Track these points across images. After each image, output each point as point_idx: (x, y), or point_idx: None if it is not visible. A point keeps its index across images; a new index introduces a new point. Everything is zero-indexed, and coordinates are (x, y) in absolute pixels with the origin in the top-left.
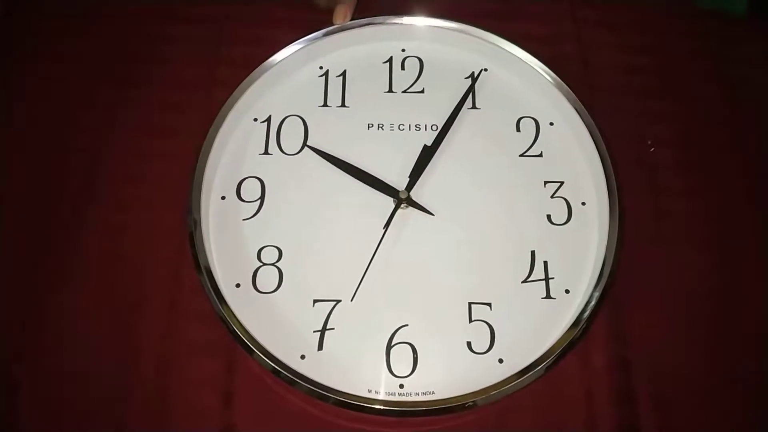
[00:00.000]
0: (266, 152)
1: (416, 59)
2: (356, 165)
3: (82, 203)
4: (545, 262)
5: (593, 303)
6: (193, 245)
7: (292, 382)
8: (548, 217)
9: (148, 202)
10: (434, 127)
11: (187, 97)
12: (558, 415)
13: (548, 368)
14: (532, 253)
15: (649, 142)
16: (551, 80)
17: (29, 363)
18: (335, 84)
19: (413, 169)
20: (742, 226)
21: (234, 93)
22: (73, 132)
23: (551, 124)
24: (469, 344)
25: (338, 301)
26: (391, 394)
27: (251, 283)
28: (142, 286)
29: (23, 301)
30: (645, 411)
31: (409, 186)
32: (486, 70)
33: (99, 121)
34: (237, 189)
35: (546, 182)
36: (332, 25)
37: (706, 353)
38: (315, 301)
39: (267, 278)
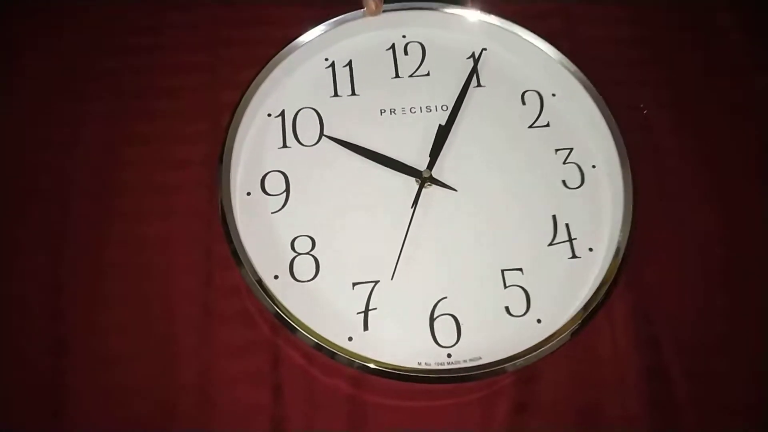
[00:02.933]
0: (285, 146)
1: (418, 44)
2: (374, 150)
3: (104, 218)
4: (567, 225)
5: (618, 257)
6: (231, 243)
7: (344, 361)
8: (563, 182)
9: (171, 212)
10: (444, 107)
11: (193, 103)
12: (593, 366)
13: (583, 323)
14: (554, 217)
15: (642, 106)
16: (549, 54)
17: (69, 382)
18: (343, 74)
19: (432, 148)
20: (737, 177)
21: (245, 93)
22: (88, 149)
23: (554, 95)
24: (507, 309)
25: (376, 282)
26: (441, 364)
27: (289, 273)
28: (174, 295)
29: (57, 323)
30: (670, 356)
31: (430, 165)
32: (486, 49)
33: (118, 135)
34: (261, 184)
35: (557, 150)
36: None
37: (723, 297)
38: (354, 284)
39: (304, 267)
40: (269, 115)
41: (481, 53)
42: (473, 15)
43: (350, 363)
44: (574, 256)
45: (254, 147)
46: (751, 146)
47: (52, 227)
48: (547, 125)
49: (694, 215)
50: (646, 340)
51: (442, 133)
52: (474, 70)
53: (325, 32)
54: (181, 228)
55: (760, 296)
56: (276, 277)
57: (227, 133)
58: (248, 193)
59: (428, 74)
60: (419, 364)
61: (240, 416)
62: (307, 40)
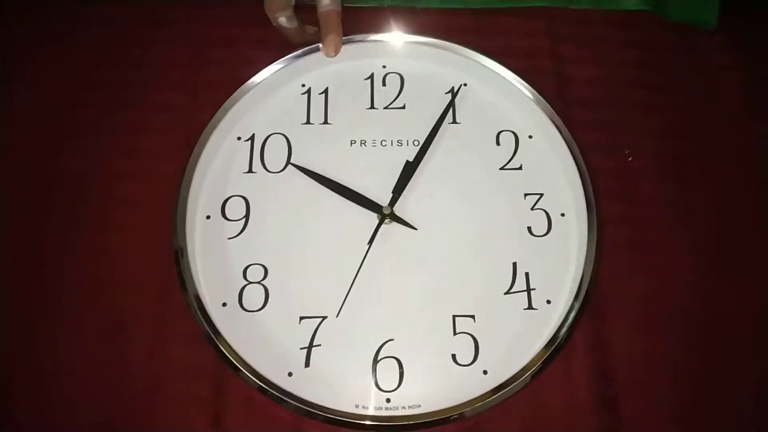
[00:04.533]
0: (250, 170)
1: (397, 75)
2: (340, 181)
3: (67, 229)
4: (527, 274)
5: (574, 312)
6: (178, 266)
7: (279, 400)
8: (529, 228)
9: (134, 226)
10: (416, 142)
11: (169, 120)
12: (541, 424)
13: (532, 378)
14: (514, 264)
15: (627, 152)
16: (529, 94)
17: (22, 390)
18: (318, 101)
19: (396, 184)
20: (715, 231)
21: (217, 113)
22: (58, 158)
23: (530, 137)
24: (453, 356)
25: (324, 318)
26: (379, 409)
27: (237, 301)
28: (129, 311)
29: (13, 330)
30: (627, 418)
31: (393, 201)
32: (466, 85)
33: (83, 147)
34: (222, 208)
35: (526, 194)
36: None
37: (686, 359)
38: (301, 318)
39: (253, 296)
40: (239, 138)
41: (459, 88)
42: (456, 49)
43: (286, 404)
44: (530, 308)
45: (221, 170)
46: (729, 204)
47: (17, 235)
48: (520, 168)
49: (664, 272)
50: (603, 403)
51: (409, 170)
52: (450, 106)
53: (304, 57)
54: (141, 245)
55: (734, 360)
56: (224, 304)
57: (191, 154)
58: (208, 217)
59: (404, 107)
60: (357, 407)
61: None
62: (285, 65)
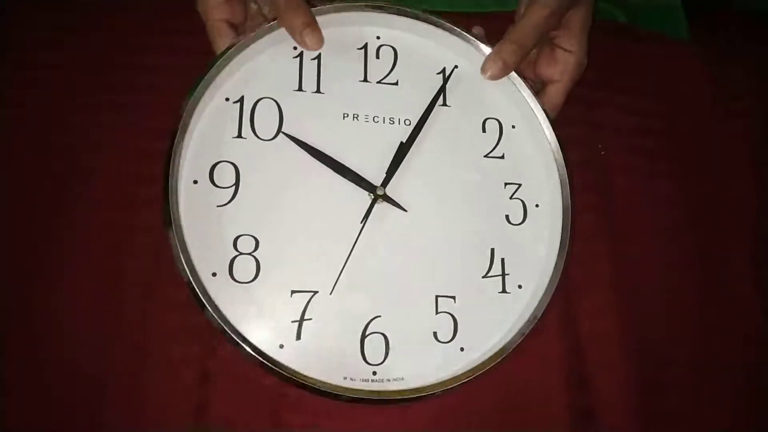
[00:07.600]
0: (240, 136)
1: (390, 48)
2: (332, 155)
3: (63, 199)
4: (502, 260)
5: (543, 297)
6: (170, 233)
7: (270, 371)
8: (506, 217)
9: (125, 197)
10: (407, 122)
11: (161, 79)
12: (516, 399)
13: (505, 357)
14: (492, 250)
15: (600, 146)
16: (515, 83)
17: (12, 356)
18: (310, 68)
19: (390, 165)
20: (676, 224)
21: (206, 73)
22: (55, 134)
23: (513, 126)
24: (435, 334)
25: (315, 293)
26: (365, 381)
27: (228, 272)
28: (121, 279)
29: (9, 293)
30: (598, 396)
31: (385, 182)
32: (457, 67)
33: (81, 123)
34: (210, 173)
35: (506, 183)
36: None
37: (653, 339)
38: (293, 291)
39: (244, 268)
40: (227, 99)
41: (452, 71)
42: (449, 28)
43: (277, 374)
44: (504, 291)
45: (208, 132)
46: (693, 199)
47: (15, 203)
48: (502, 157)
49: (631, 260)
50: (576, 378)
51: (402, 151)
52: (442, 89)
53: None
54: (137, 214)
55: (697, 340)
56: (214, 274)
57: (182, 114)
58: (195, 182)
59: (397, 83)
60: (345, 379)
61: (168, 397)
62: (275, 28)
